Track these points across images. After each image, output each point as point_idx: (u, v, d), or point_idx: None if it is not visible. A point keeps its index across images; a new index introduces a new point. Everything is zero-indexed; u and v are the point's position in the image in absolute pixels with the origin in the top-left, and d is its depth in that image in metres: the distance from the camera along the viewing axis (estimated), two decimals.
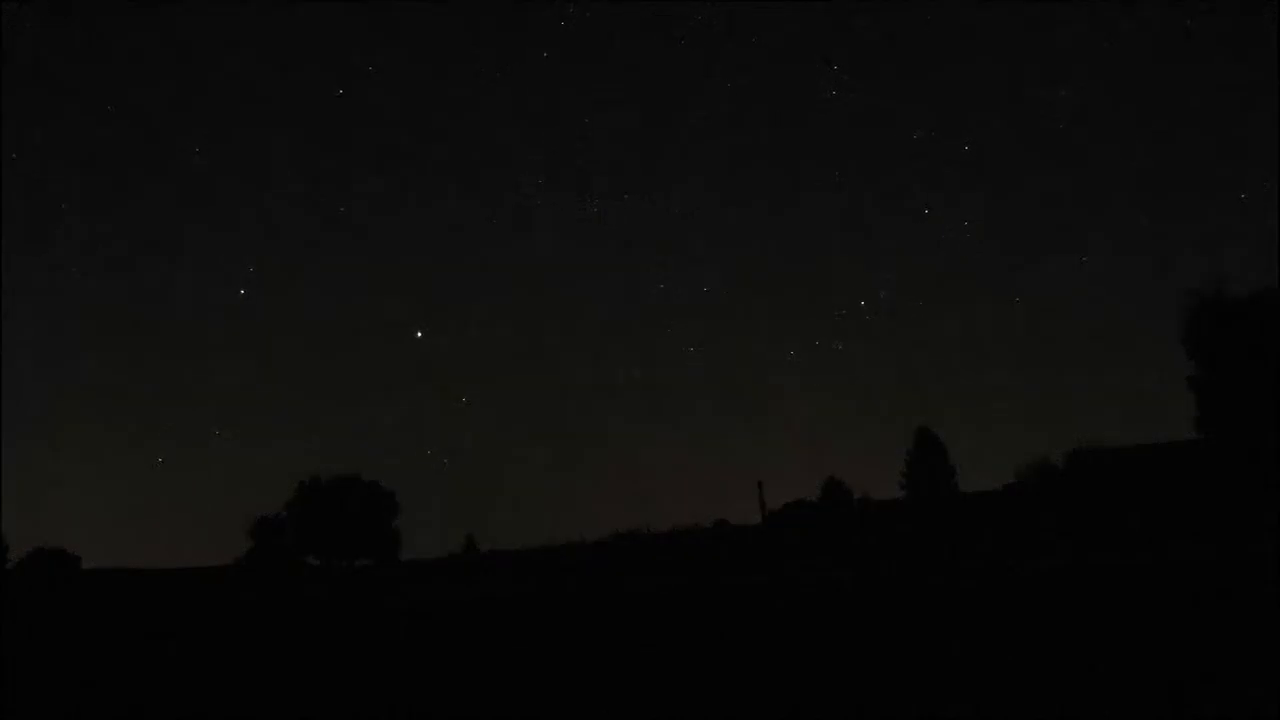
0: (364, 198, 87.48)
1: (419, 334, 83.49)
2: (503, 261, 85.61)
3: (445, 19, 77.81)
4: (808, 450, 78.91)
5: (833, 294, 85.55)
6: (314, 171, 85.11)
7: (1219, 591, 12.82)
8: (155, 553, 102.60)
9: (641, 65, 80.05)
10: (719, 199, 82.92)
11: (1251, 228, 70.00)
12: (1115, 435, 57.90)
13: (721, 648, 11.07)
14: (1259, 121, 69.16)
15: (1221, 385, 34.11)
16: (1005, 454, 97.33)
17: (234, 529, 58.78)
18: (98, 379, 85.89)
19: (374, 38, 78.68)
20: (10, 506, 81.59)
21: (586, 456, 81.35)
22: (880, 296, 79.22)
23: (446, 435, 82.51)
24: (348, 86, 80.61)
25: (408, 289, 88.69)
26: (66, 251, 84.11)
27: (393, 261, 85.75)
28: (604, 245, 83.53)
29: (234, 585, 47.31)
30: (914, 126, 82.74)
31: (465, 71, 79.00)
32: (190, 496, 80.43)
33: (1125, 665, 7.82)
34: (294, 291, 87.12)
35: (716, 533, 42.76)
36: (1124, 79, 73.01)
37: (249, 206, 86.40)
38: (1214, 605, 11.34)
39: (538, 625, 16.86)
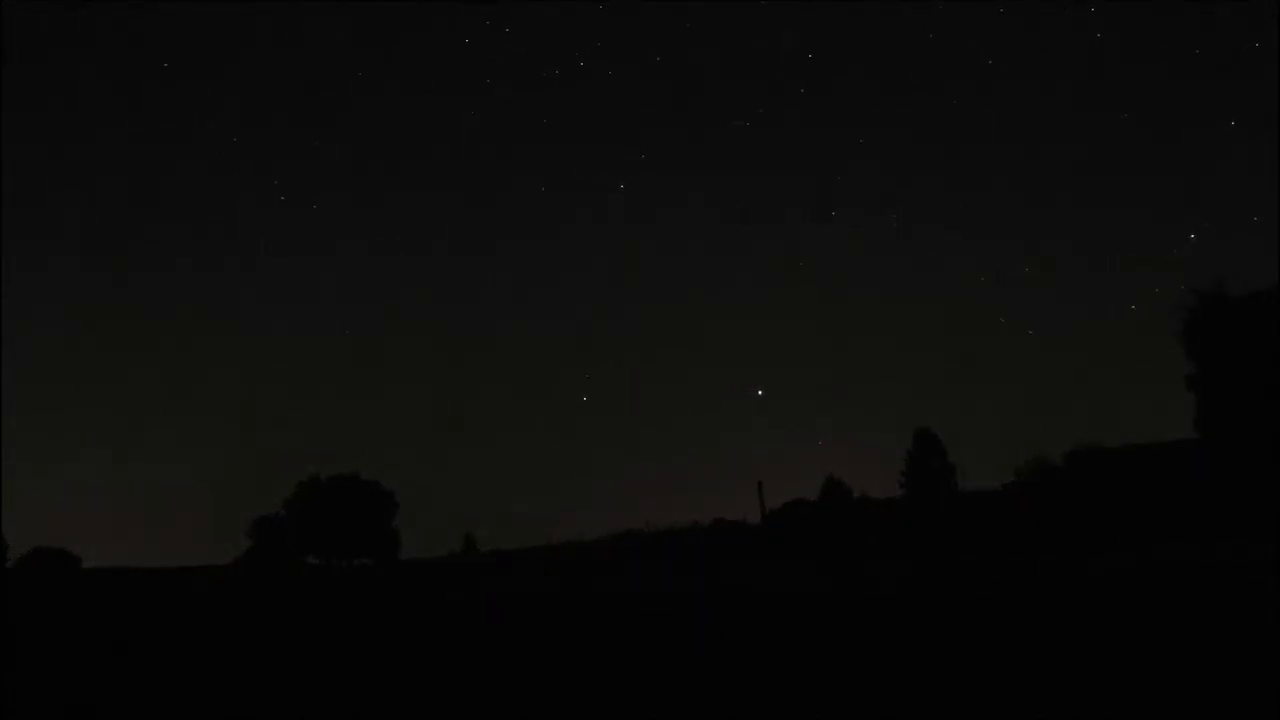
0: (364, 196, 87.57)
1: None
2: (503, 263, 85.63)
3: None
4: (808, 450, 78.93)
5: (833, 293, 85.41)
6: (315, 169, 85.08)
7: (1219, 591, 12.82)
8: (155, 553, 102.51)
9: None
10: (718, 199, 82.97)
11: (1251, 227, 69.99)
12: (1115, 435, 57.80)
13: (722, 647, 11.06)
14: (1260, 120, 69.16)
15: (1221, 385, 34.09)
16: (1005, 454, 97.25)
17: (234, 529, 58.74)
18: (97, 378, 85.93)
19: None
20: (10, 507, 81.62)
21: (586, 456, 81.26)
22: (880, 296, 79.21)
23: (447, 434, 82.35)
24: (359, 85, 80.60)
25: (408, 289, 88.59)
26: (66, 249, 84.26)
27: (393, 261, 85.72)
28: (604, 248, 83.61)
29: (234, 585, 47.25)
30: (913, 125, 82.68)
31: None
32: (190, 496, 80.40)
33: (1125, 665, 7.81)
34: (294, 290, 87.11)
35: (716, 532, 42.72)
36: (1124, 77, 73.06)
37: (250, 205, 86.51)
38: (1214, 605, 11.34)
39: (536, 625, 16.85)
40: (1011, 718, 6.43)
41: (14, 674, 13.07)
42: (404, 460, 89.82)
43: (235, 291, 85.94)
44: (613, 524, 49.65)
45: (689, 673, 9.29)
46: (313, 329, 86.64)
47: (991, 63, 74.93)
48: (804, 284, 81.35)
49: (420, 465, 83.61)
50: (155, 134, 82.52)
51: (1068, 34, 70.26)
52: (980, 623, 11.84)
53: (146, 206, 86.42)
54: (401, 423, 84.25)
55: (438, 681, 10.19)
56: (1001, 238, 77.91)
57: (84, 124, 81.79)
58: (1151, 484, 31.35)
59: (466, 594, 31.14)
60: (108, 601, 38.67)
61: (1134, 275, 76.58)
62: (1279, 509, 24.50)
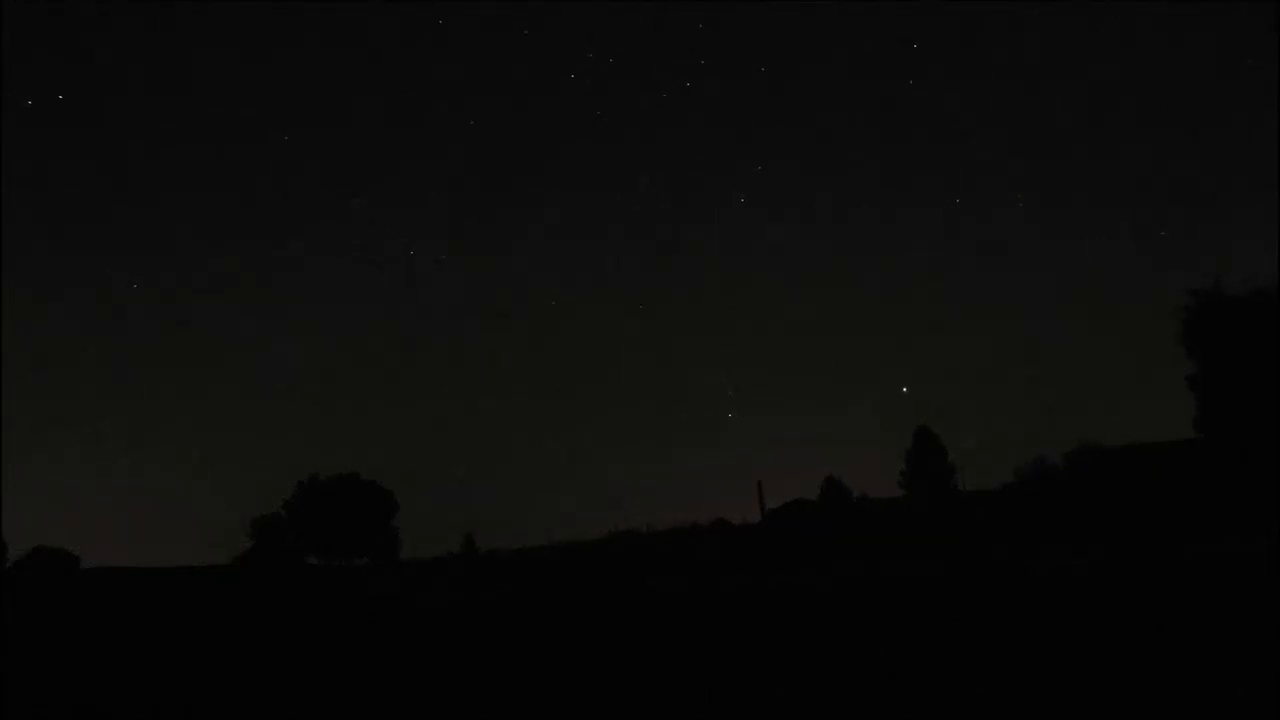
0: (364, 193, 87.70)
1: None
2: (501, 264, 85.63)
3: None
4: (808, 450, 78.93)
5: (832, 292, 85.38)
6: (314, 167, 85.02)
7: (1219, 591, 12.82)
8: (155, 553, 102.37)
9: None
10: (717, 197, 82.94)
11: (1251, 227, 70.06)
12: (1115, 435, 57.79)
13: (721, 647, 11.06)
14: (1259, 120, 69.18)
15: (1221, 385, 34.06)
16: (1005, 454, 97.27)
17: (234, 529, 58.60)
18: (98, 378, 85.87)
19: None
20: (10, 506, 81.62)
21: (586, 456, 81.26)
22: (880, 296, 79.29)
23: (446, 434, 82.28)
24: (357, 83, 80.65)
25: (408, 289, 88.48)
26: (65, 249, 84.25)
27: (394, 261, 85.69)
28: (602, 247, 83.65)
29: (234, 585, 47.22)
30: (916, 125, 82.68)
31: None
32: (190, 496, 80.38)
33: (1126, 665, 7.81)
34: (294, 290, 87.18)
35: (716, 532, 42.68)
36: (1125, 77, 73.04)
37: (247, 203, 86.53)
38: (1214, 605, 11.34)
39: (535, 625, 16.86)
40: (1013, 716, 6.42)
41: (14, 673, 13.07)
42: (404, 460, 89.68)
43: (236, 291, 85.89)
44: (613, 524, 49.62)
45: (689, 673, 9.29)
46: (314, 329, 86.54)
47: (1008, 62, 74.65)
48: (802, 284, 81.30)
49: (420, 465, 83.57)
50: (158, 135, 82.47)
51: (1070, 32, 70.23)
52: (981, 621, 11.84)
53: (146, 207, 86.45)
54: (401, 423, 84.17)
55: (437, 681, 10.19)
56: (1002, 237, 77.80)
57: (92, 113, 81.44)
58: (1152, 484, 31.33)
59: (466, 594, 31.15)
60: (107, 601, 38.69)
61: (1135, 275, 76.50)
62: (1279, 508, 24.49)
